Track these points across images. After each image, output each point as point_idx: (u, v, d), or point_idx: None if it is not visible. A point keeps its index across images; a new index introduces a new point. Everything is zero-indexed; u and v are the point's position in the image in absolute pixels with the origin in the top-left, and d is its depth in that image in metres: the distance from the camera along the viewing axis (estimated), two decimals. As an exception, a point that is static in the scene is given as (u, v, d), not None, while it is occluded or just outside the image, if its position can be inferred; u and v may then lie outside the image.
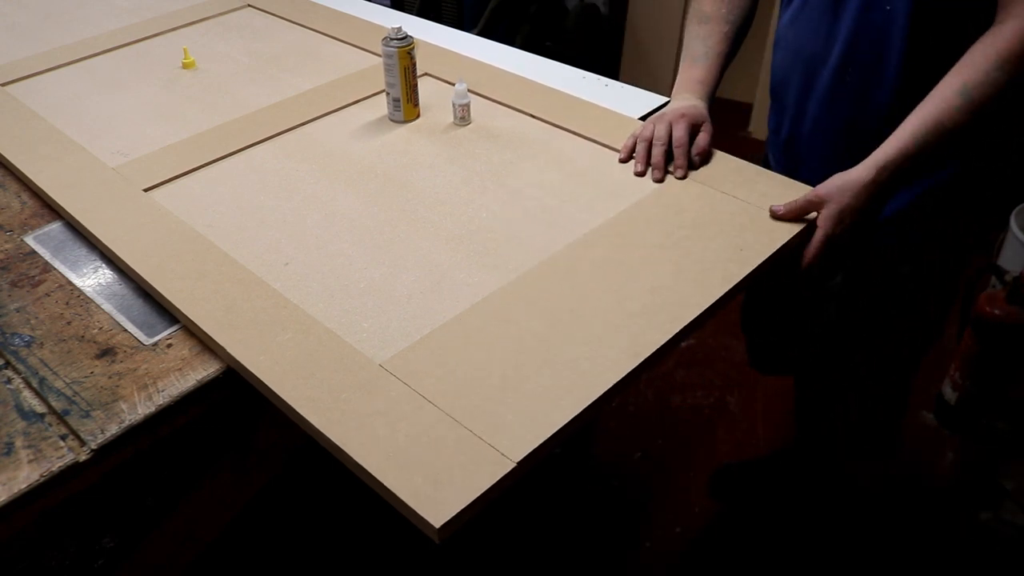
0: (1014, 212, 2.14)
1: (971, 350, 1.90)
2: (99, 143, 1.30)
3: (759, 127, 3.11)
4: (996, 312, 1.83)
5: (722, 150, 1.23)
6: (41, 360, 0.93)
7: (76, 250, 1.11)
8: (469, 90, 1.35)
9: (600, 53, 3.27)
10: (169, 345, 0.95)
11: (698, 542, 1.76)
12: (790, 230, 1.08)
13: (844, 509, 1.80)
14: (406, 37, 1.29)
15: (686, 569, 1.72)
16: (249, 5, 1.80)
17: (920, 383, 2.09)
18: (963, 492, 1.82)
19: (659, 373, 2.16)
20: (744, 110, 3.19)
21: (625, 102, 1.40)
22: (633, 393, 2.10)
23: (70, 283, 1.05)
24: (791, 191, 1.14)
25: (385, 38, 1.29)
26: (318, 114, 1.37)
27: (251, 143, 1.29)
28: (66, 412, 0.86)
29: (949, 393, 1.97)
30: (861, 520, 1.78)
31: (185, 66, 1.54)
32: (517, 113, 1.37)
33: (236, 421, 1.03)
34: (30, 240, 1.12)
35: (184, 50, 1.55)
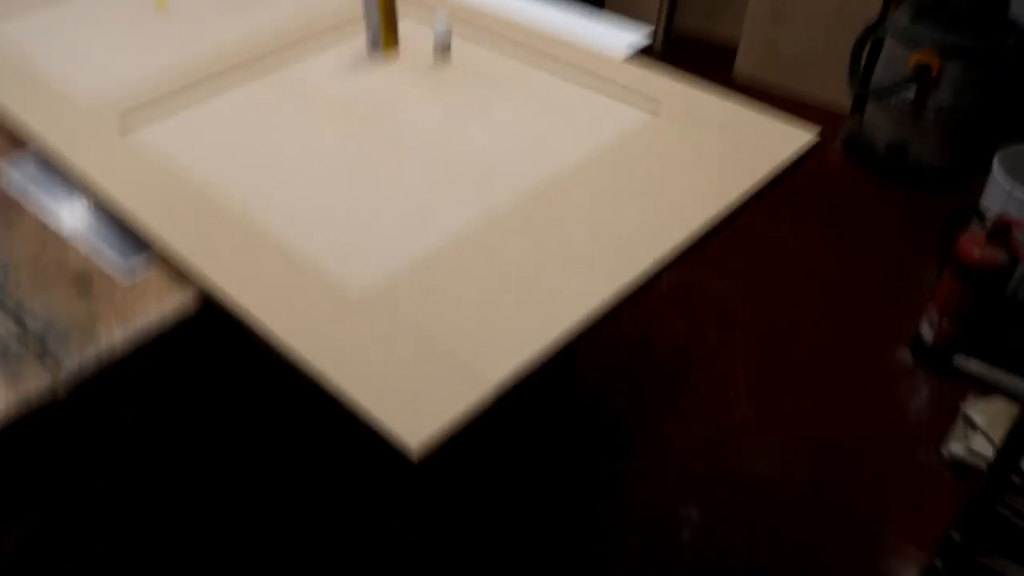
0: (997, 154, 2.15)
1: (950, 290, 1.92)
2: (74, 84, 1.27)
3: (744, 70, 3.07)
4: (976, 253, 1.85)
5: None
6: (17, 284, 0.92)
7: (52, 177, 1.09)
8: (449, 28, 1.33)
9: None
10: (146, 273, 0.95)
11: (684, 475, 1.80)
12: (769, 166, 1.08)
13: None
14: (386, -34, 1.27)
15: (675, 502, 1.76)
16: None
17: (897, 320, 2.12)
18: (936, 427, 1.86)
19: (641, 314, 2.18)
20: (730, 52, 3.10)
21: (609, 34, 1.39)
22: (614, 334, 2.12)
23: (46, 210, 1.04)
24: (773, 130, 1.14)
25: (364, -33, 1.27)
26: (297, 52, 1.34)
27: (229, 82, 1.27)
28: (43, 336, 0.86)
29: (926, 331, 2.00)
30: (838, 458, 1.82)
31: (159, 5, 1.50)
32: (499, 50, 1.35)
33: (226, 379, 1.03)
34: (5, 167, 1.11)
35: (158, -15, 1.51)
